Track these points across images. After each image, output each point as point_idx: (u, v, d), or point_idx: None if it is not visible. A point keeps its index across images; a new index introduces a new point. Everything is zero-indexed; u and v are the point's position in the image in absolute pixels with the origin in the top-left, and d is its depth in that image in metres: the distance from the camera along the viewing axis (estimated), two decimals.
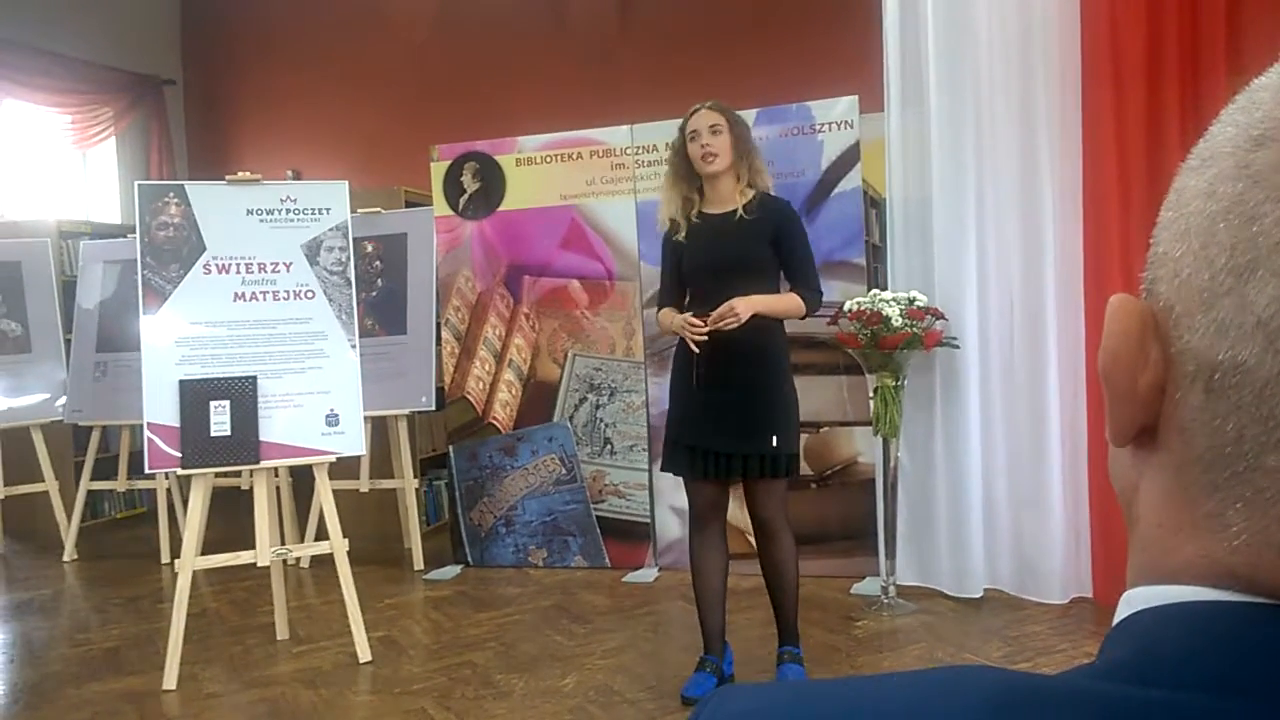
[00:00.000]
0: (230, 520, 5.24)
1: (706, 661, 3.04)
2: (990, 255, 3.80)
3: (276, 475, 4.50)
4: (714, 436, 2.92)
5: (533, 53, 6.59)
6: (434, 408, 4.74)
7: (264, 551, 3.44)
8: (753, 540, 3.11)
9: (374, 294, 4.75)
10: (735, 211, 2.95)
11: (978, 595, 3.80)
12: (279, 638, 3.76)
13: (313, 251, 3.59)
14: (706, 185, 3.00)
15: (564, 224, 4.55)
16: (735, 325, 2.82)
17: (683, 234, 3.01)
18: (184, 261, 3.46)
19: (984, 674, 0.36)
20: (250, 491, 3.56)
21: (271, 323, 3.51)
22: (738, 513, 3.51)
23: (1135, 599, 0.38)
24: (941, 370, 3.86)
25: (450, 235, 4.72)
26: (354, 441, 3.57)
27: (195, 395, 3.38)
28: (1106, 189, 3.55)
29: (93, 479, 5.16)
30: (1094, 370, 3.61)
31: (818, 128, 4.15)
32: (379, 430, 4.88)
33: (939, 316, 3.70)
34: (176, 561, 3.43)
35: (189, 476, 3.47)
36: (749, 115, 3.77)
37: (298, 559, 4.77)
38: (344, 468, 4.32)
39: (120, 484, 5.29)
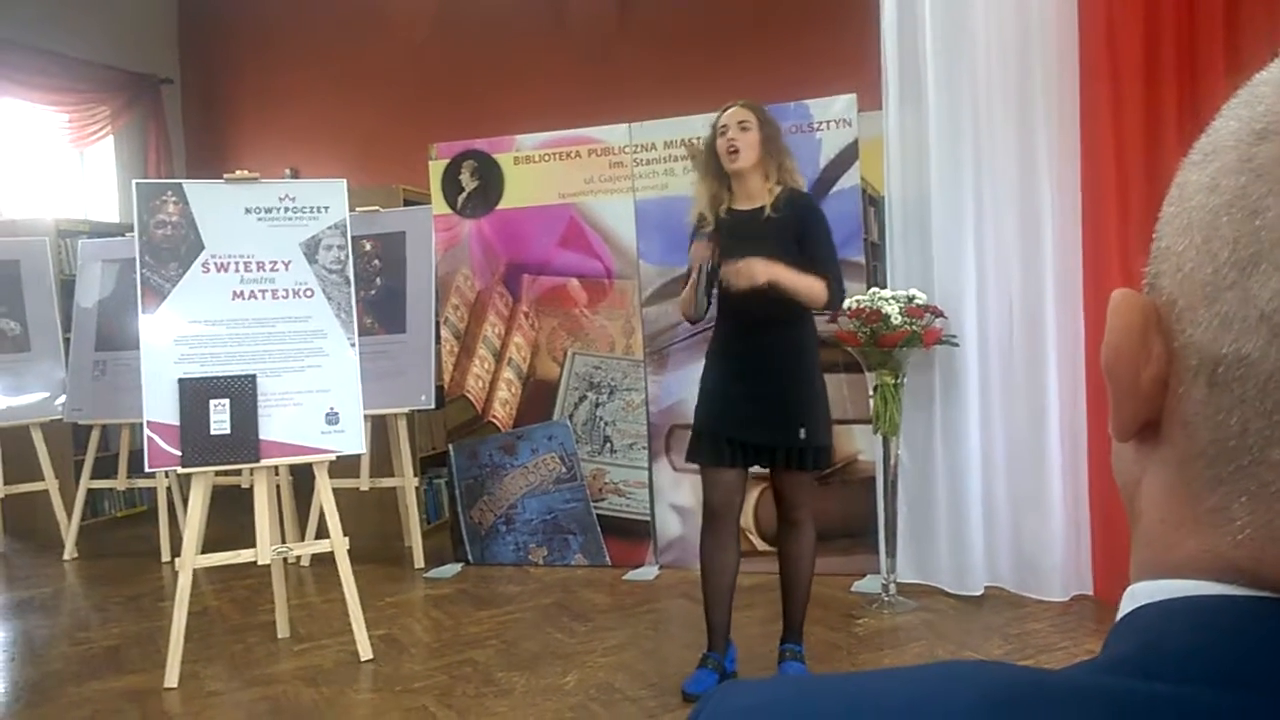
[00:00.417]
0: (230, 519, 5.24)
1: (709, 658, 3.05)
2: (989, 253, 3.80)
3: (276, 474, 4.50)
4: (745, 427, 2.94)
5: (531, 51, 6.58)
6: (433, 406, 4.74)
7: (264, 550, 3.44)
8: (756, 540, 3.12)
9: (373, 292, 4.75)
10: (763, 209, 2.95)
11: (978, 593, 3.80)
12: (280, 636, 3.76)
13: (311, 250, 3.59)
14: (734, 182, 3.01)
15: (563, 222, 4.55)
16: (746, 284, 2.81)
17: (711, 229, 3.01)
18: (182, 260, 3.46)
19: (987, 669, 0.36)
20: (250, 490, 3.56)
21: (270, 321, 3.50)
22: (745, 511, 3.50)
23: (1139, 594, 0.38)
24: (941, 368, 3.86)
25: (449, 234, 4.72)
26: (354, 440, 3.57)
27: (195, 394, 3.38)
28: (1105, 187, 3.55)
29: (93, 478, 5.16)
30: (1093, 367, 3.61)
31: (816, 126, 4.15)
32: (379, 429, 4.88)
33: (938, 314, 3.70)
34: (177, 560, 3.43)
35: (189, 475, 3.47)
36: None
37: (298, 557, 4.77)
38: (344, 466, 4.31)
39: (120, 483, 5.29)
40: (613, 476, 4.52)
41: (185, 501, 4.92)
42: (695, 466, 3.16)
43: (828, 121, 4.14)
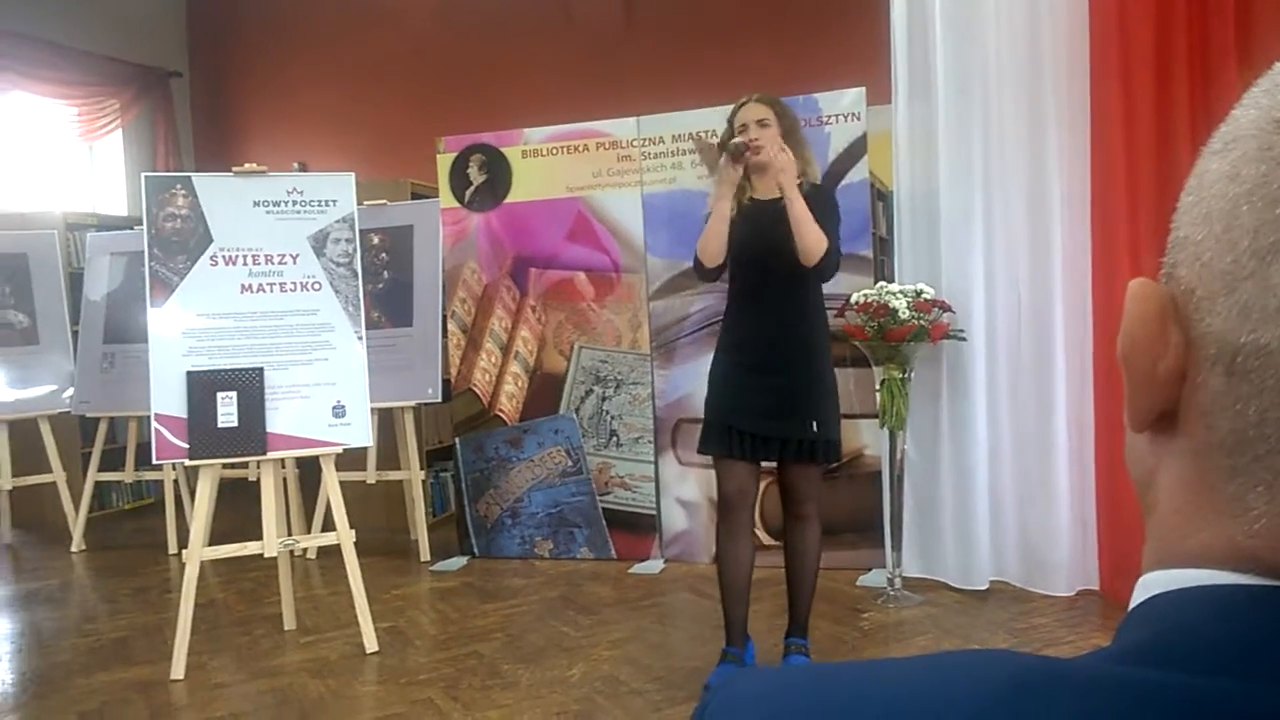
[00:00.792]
0: (237, 511, 5.25)
1: (729, 654, 3.03)
2: (997, 248, 3.79)
3: (283, 466, 4.51)
4: (756, 419, 2.93)
5: (539, 45, 6.58)
6: (440, 399, 4.75)
7: (271, 542, 3.45)
8: (762, 535, 3.11)
9: (380, 286, 4.76)
10: (781, 199, 2.93)
11: (984, 587, 3.80)
12: (286, 628, 3.77)
13: (319, 243, 3.59)
14: (754, 174, 2.98)
15: (570, 216, 4.55)
16: (762, 157, 2.84)
17: (733, 215, 3.00)
18: (191, 253, 3.47)
19: (1000, 657, 0.36)
20: (257, 482, 3.57)
21: (278, 314, 3.51)
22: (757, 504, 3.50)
23: (1152, 583, 0.38)
24: (948, 363, 3.85)
25: (456, 227, 4.72)
26: (360, 433, 3.57)
27: (202, 386, 3.39)
28: (1114, 182, 3.54)
29: (100, 470, 5.19)
30: (1101, 363, 3.60)
31: (825, 120, 4.14)
32: (385, 422, 4.89)
33: (946, 309, 3.69)
34: (184, 552, 3.44)
35: (196, 467, 3.48)
36: None
37: (305, 550, 4.78)
38: (351, 459, 4.32)
39: (128, 475, 5.31)
40: (618, 470, 4.52)
41: (192, 494, 4.94)
42: (702, 460, 3.15)
43: (836, 115, 4.13)
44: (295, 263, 3.55)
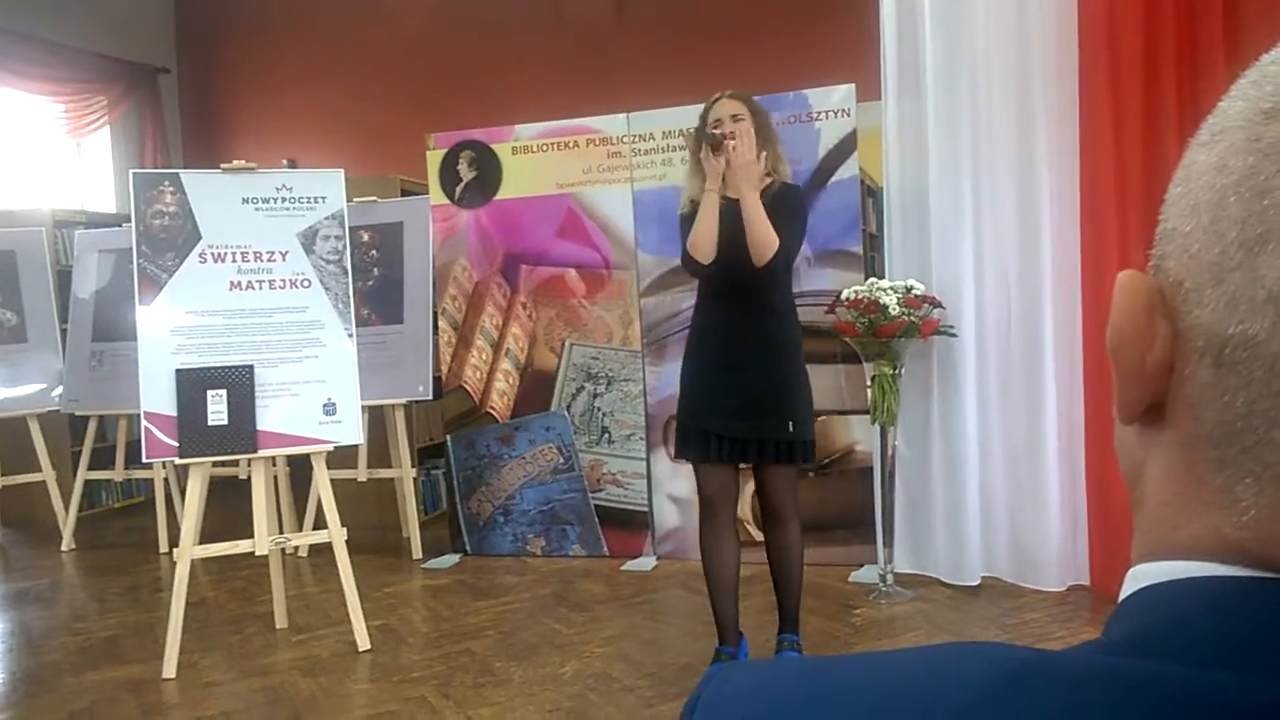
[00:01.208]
0: (228, 509, 5.24)
1: (722, 653, 3.02)
2: (987, 243, 3.80)
3: (274, 464, 4.50)
4: (730, 421, 2.91)
5: (529, 41, 6.57)
6: (431, 397, 4.74)
7: (262, 540, 3.44)
8: (753, 530, 3.11)
9: (370, 283, 4.75)
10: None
11: (975, 583, 3.81)
12: (278, 626, 3.76)
13: (309, 240, 3.58)
14: (727, 172, 2.93)
15: (561, 213, 4.54)
16: (731, 146, 2.84)
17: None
18: (179, 250, 3.45)
19: (991, 650, 0.36)
20: (248, 480, 3.56)
21: (268, 311, 3.50)
22: (740, 501, 3.51)
23: (1141, 575, 0.38)
24: (939, 358, 3.86)
25: (446, 224, 4.71)
26: (351, 430, 3.57)
27: (192, 384, 3.37)
28: (1103, 177, 3.55)
29: (90, 468, 5.16)
30: (1091, 358, 3.61)
31: (814, 116, 4.15)
32: (376, 420, 4.88)
33: (936, 305, 3.70)
34: (174, 550, 3.43)
35: (186, 466, 3.46)
36: None
37: (296, 548, 4.77)
38: (342, 457, 4.31)
39: (118, 473, 5.29)
40: (610, 467, 4.52)
41: (183, 492, 4.91)
42: (680, 458, 3.13)
43: (826, 112, 4.13)
44: (284, 260, 3.54)
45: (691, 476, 4.28)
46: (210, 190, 3.51)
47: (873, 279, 3.76)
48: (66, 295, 5.30)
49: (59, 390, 5.20)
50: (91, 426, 5.15)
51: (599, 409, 4.53)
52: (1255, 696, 0.30)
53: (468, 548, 4.72)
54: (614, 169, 4.46)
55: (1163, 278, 0.37)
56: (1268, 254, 0.32)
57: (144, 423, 3.35)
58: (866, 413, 3.91)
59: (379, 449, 4.93)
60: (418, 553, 4.73)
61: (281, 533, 4.28)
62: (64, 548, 5.16)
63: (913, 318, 3.60)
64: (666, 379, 4.41)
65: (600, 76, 6.15)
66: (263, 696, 3.15)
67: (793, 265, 2.99)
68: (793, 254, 2.93)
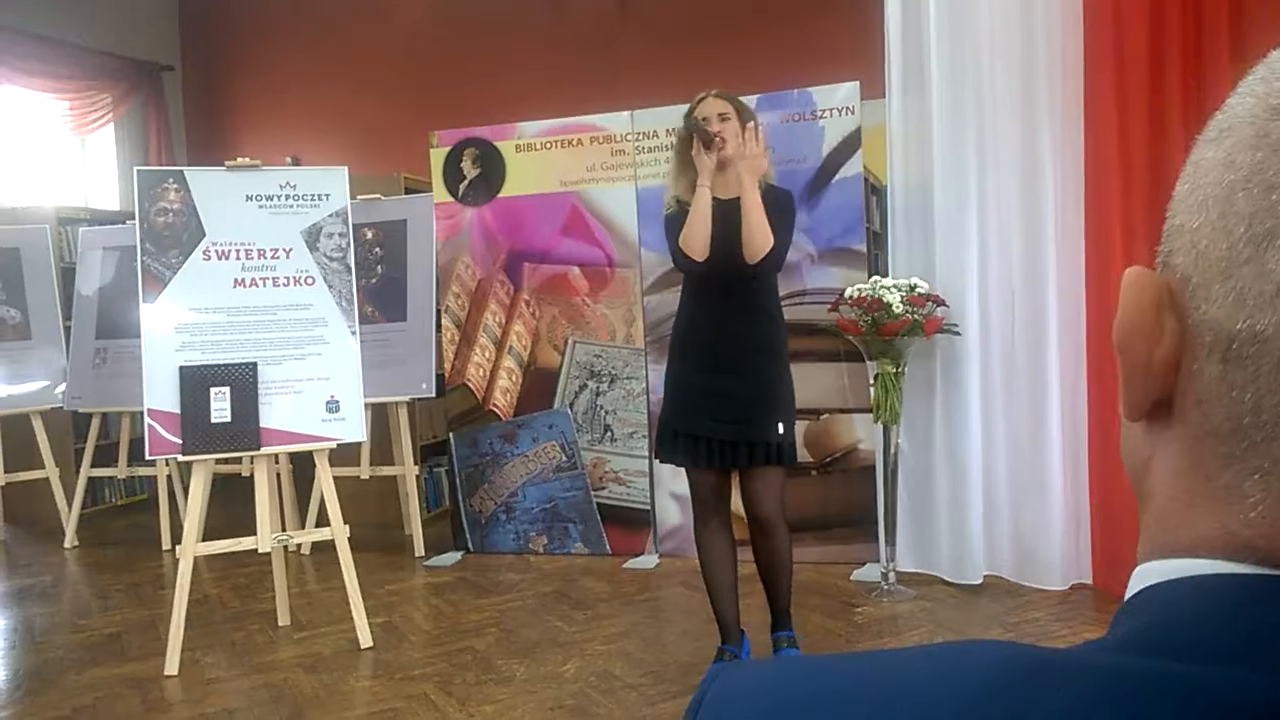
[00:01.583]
0: (231, 507, 5.25)
1: (725, 651, 3.02)
2: (991, 242, 3.79)
3: (277, 462, 4.50)
4: (718, 424, 2.90)
5: (533, 38, 6.56)
6: (434, 394, 4.74)
7: (265, 538, 3.44)
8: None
9: (374, 281, 4.75)
10: (738, 199, 2.92)
11: (977, 582, 3.81)
12: (280, 623, 3.77)
13: (313, 238, 3.58)
14: (730, 164, 2.91)
15: (564, 210, 4.54)
16: (720, 143, 2.83)
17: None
18: (184, 247, 3.45)
19: (996, 647, 0.36)
20: (251, 478, 3.56)
21: (272, 309, 3.50)
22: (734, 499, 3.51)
23: (1148, 573, 0.37)
24: (942, 357, 3.85)
25: (450, 222, 4.71)
26: (354, 428, 3.57)
27: (195, 382, 3.38)
28: (1108, 175, 3.54)
29: (93, 466, 5.17)
30: (1095, 357, 3.61)
31: (819, 114, 4.14)
32: (379, 417, 4.89)
33: (940, 303, 3.69)
34: (177, 548, 3.44)
35: (189, 463, 3.47)
36: (750, 101, 3.76)
37: (298, 545, 4.78)
38: (344, 454, 4.32)
39: (121, 471, 5.29)
40: (613, 465, 4.52)
41: (186, 489, 4.92)
42: (665, 461, 3.12)
43: (831, 109, 4.13)
44: (288, 257, 3.54)
45: None
46: (214, 187, 3.51)
47: (876, 277, 3.75)
48: (70, 292, 5.31)
49: (62, 387, 5.21)
50: (95, 424, 5.16)
51: (602, 407, 4.53)
52: (1264, 694, 0.30)
53: (470, 545, 4.72)
54: (618, 167, 4.46)
55: (1170, 274, 0.37)
56: (1276, 249, 0.32)
57: (147, 420, 3.36)
58: (869, 411, 3.90)
59: (382, 446, 4.93)
60: (420, 550, 4.74)
61: (284, 530, 4.29)
62: (67, 545, 5.17)
63: (916, 316, 3.59)
64: (665, 377, 4.40)
65: (604, 74, 6.15)
66: (265, 693, 3.15)
67: (780, 268, 2.98)
68: (781, 256, 2.92)
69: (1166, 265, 0.38)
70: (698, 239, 2.86)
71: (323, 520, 3.76)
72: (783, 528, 2.98)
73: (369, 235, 4.75)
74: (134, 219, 3.51)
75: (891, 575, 3.83)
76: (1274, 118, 0.34)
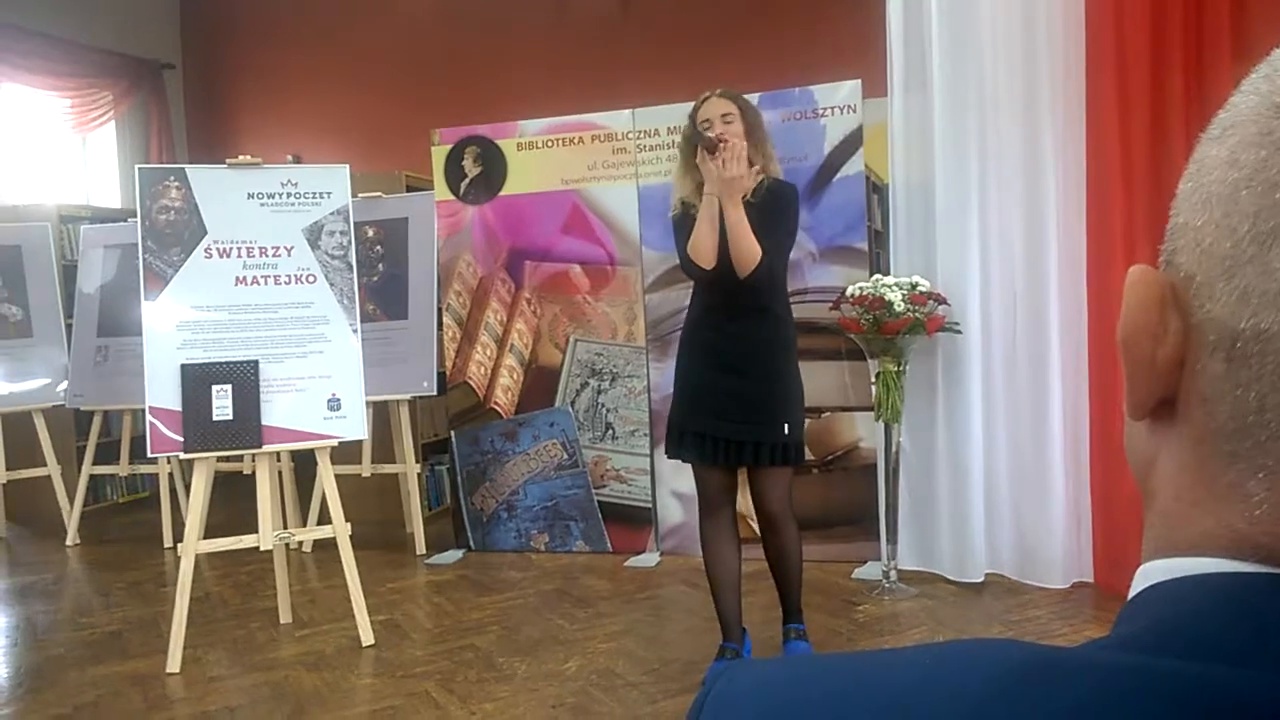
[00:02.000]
0: (232, 505, 5.26)
1: (726, 649, 3.02)
2: (993, 240, 3.79)
3: (279, 459, 4.50)
4: (726, 423, 2.90)
5: (534, 36, 6.56)
6: (435, 392, 4.75)
7: (266, 535, 3.45)
8: (754, 524, 3.10)
9: (375, 279, 4.75)
10: (744, 197, 2.92)
11: (979, 580, 3.81)
12: (282, 621, 3.77)
13: (314, 236, 3.58)
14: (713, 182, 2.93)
15: (565, 208, 4.54)
16: (723, 150, 2.81)
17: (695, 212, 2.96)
18: (185, 245, 3.45)
19: (1002, 646, 0.36)
20: (252, 476, 3.56)
21: (273, 307, 3.50)
22: (740, 498, 3.50)
23: (1152, 572, 0.37)
24: (944, 355, 3.85)
25: (451, 220, 4.71)
26: (356, 426, 3.57)
27: (197, 379, 3.38)
28: (1110, 173, 3.54)
29: (95, 464, 5.17)
30: (1096, 356, 3.61)
31: (820, 112, 4.14)
32: (380, 415, 4.89)
33: (941, 301, 3.69)
34: (179, 546, 3.44)
35: (191, 461, 3.47)
36: (751, 99, 3.76)
37: (300, 543, 4.78)
38: (346, 452, 4.32)
39: (122, 468, 5.30)
40: (614, 463, 4.52)
41: (187, 487, 4.93)
42: (673, 458, 3.12)
43: (832, 107, 4.12)
44: (290, 255, 3.54)
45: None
46: (216, 186, 3.52)
47: (878, 275, 3.75)
48: (72, 290, 5.31)
49: (64, 385, 5.21)
50: (96, 421, 5.16)
51: (603, 405, 4.53)
52: (1268, 692, 0.30)
53: (471, 543, 4.72)
54: (619, 165, 4.46)
55: (1174, 272, 0.37)
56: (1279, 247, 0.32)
57: (149, 418, 3.36)
58: (871, 409, 3.90)
59: (383, 444, 4.93)
60: (421, 548, 4.74)
61: (286, 528, 4.29)
62: (69, 543, 5.18)
63: (918, 314, 3.59)
64: (670, 375, 4.38)
65: (605, 72, 6.14)
66: (267, 691, 3.16)
67: (786, 263, 2.98)
68: (782, 254, 2.92)
69: (1170, 264, 0.38)
70: (706, 248, 2.87)
71: (324, 518, 3.76)
72: (791, 524, 2.99)
73: (370, 233, 4.75)
74: (135, 217, 3.51)
75: (893, 573, 3.83)
76: (1278, 115, 0.34)
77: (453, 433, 4.77)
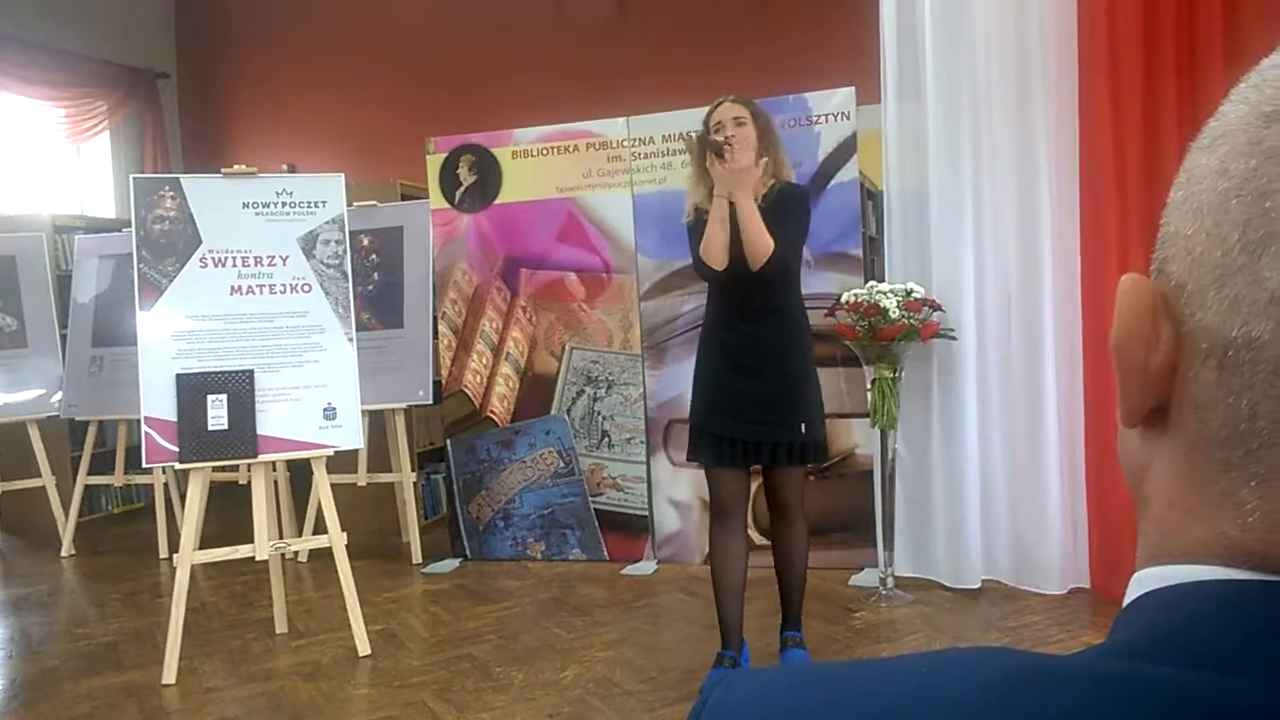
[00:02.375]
0: (228, 515, 5.24)
1: (725, 657, 3.01)
2: (987, 246, 3.80)
3: (274, 469, 4.50)
4: (745, 425, 2.92)
5: (529, 45, 6.58)
6: (431, 401, 4.74)
7: (262, 545, 3.44)
8: (755, 535, 3.11)
9: (370, 287, 4.75)
10: (755, 200, 2.92)
11: (975, 586, 3.81)
12: (278, 631, 3.76)
13: (309, 245, 3.58)
14: (725, 177, 2.93)
15: (561, 217, 4.55)
16: (729, 153, 2.84)
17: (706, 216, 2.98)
18: (180, 255, 3.45)
19: (998, 655, 0.36)
20: (248, 485, 3.56)
21: (268, 316, 3.50)
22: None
23: (1147, 579, 0.38)
24: (939, 362, 3.86)
25: (446, 228, 4.72)
26: (351, 435, 3.56)
27: (192, 389, 3.37)
28: (1103, 180, 3.55)
29: (90, 474, 5.16)
30: (1091, 362, 3.61)
31: (814, 119, 4.15)
32: (376, 424, 4.88)
33: (936, 308, 3.70)
34: (174, 556, 3.43)
35: (186, 471, 3.46)
36: None
37: (296, 553, 4.77)
38: (342, 461, 4.31)
39: (117, 479, 5.28)
40: (611, 471, 4.52)
41: (183, 497, 4.91)
42: (694, 460, 3.14)
43: (826, 115, 4.14)
44: (285, 264, 3.54)
45: (692, 481, 4.31)
46: (210, 195, 3.52)
47: (872, 282, 3.76)
48: (66, 300, 5.30)
49: (59, 395, 5.20)
50: (91, 432, 5.15)
51: (599, 413, 4.52)
52: (1261, 700, 0.30)
53: (468, 552, 4.72)
54: (614, 173, 4.47)
55: (1165, 281, 0.37)
56: (1270, 256, 0.32)
57: (144, 428, 3.35)
58: (866, 416, 3.91)
59: (379, 454, 4.93)
60: (418, 557, 4.73)
61: (281, 538, 4.28)
62: (64, 553, 5.16)
63: (912, 321, 3.60)
64: (666, 383, 4.41)
65: (600, 80, 6.16)
66: (263, 702, 3.15)
67: (799, 263, 3.00)
68: (795, 251, 2.95)
69: (1161, 272, 0.38)
70: (717, 249, 2.89)
71: (320, 528, 3.75)
72: (802, 519, 3.02)
73: (365, 242, 4.75)
74: (130, 227, 3.51)
75: (889, 580, 3.83)
76: (1267, 125, 0.34)
77: (449, 441, 4.77)
